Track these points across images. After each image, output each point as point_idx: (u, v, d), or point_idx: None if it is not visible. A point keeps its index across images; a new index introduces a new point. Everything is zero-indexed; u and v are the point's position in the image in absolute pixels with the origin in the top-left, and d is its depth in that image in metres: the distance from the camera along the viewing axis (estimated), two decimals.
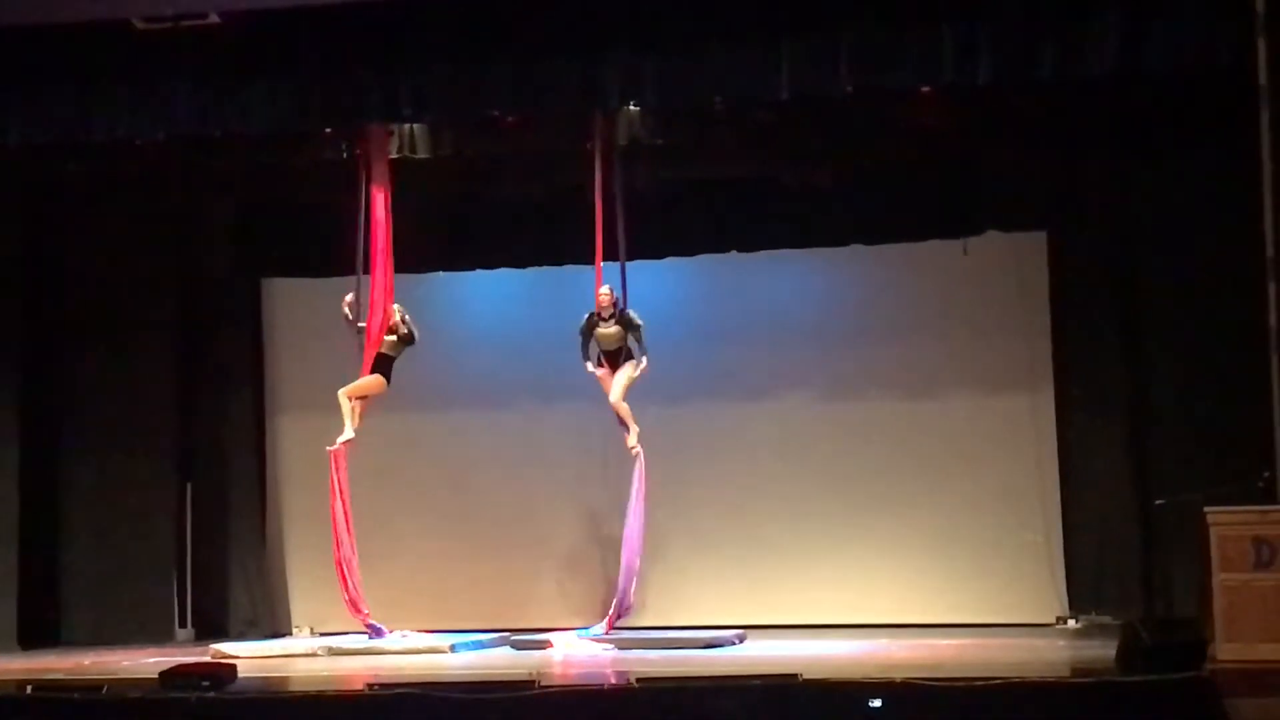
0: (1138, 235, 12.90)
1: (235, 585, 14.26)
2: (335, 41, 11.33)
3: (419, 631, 12.58)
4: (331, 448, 12.49)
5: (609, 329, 12.43)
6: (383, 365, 12.62)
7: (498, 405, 14.17)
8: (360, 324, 12.60)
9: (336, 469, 12.49)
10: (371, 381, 12.61)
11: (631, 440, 12.37)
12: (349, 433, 12.54)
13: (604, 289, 12.37)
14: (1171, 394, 12.67)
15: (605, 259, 12.45)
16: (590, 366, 12.53)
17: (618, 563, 12.44)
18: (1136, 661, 8.86)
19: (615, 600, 12.36)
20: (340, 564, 12.41)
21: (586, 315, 12.48)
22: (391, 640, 12.28)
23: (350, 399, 12.56)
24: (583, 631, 12.31)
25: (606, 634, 12.16)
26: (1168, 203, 12.63)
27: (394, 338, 12.61)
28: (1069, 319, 13.29)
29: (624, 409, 12.40)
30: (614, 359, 12.45)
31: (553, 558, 14.04)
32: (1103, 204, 13.08)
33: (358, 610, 12.43)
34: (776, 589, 13.58)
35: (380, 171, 12.61)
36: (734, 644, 12.03)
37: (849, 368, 13.79)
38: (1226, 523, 9.28)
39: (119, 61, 11.44)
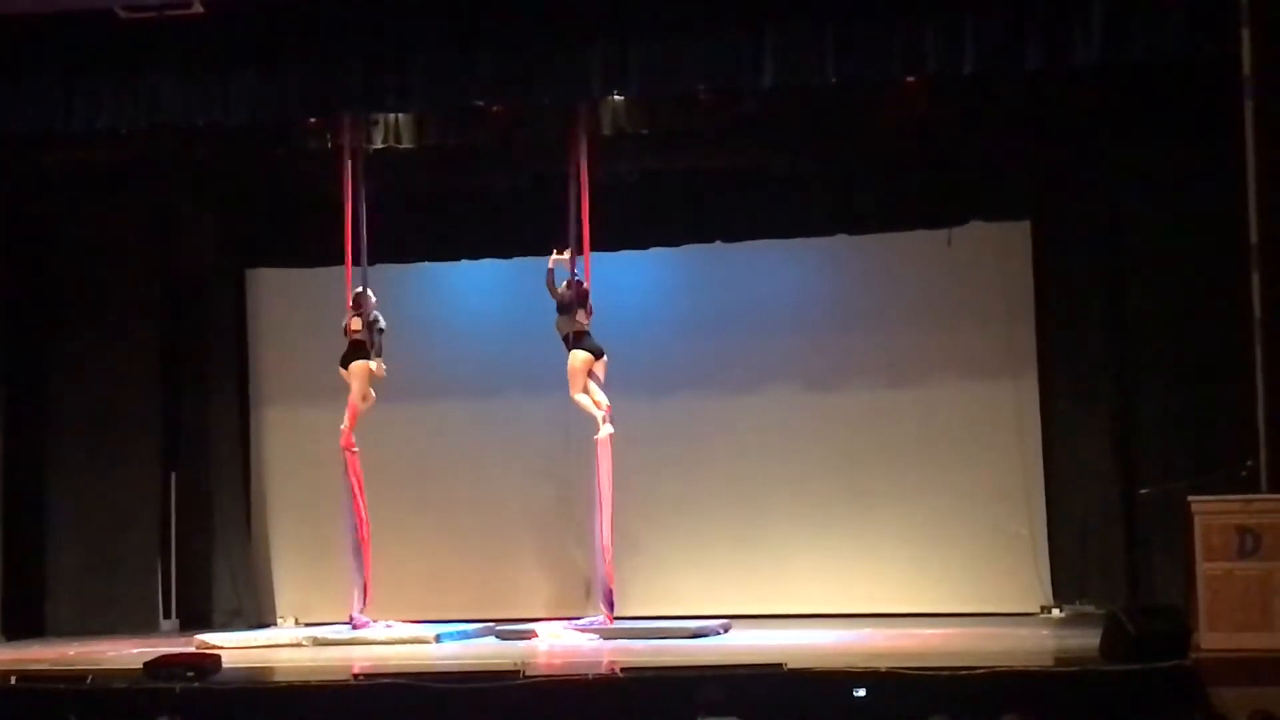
0: (1122, 224, 12.91)
1: (220, 576, 14.21)
2: (319, 31, 11.29)
3: (404, 621, 12.59)
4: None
5: (559, 318, 12.37)
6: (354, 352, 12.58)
7: (482, 395, 14.14)
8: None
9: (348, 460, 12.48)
10: (348, 375, 12.56)
11: (600, 427, 12.15)
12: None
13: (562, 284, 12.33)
14: (1156, 383, 12.68)
15: (591, 249, 12.42)
16: None
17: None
18: (1120, 651, 8.89)
19: (605, 590, 12.18)
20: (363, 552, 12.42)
21: None
22: (376, 630, 12.27)
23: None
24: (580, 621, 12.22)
25: (607, 623, 12.04)
26: (1152, 192, 12.63)
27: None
28: (1053, 308, 13.29)
29: (581, 400, 12.21)
30: (569, 348, 12.36)
31: (537, 547, 14.03)
32: (1087, 193, 13.08)
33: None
34: (761, 579, 13.57)
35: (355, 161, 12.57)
36: (719, 634, 12.01)
37: (833, 358, 13.78)
38: (1211, 512, 9.28)
39: (102, 51, 11.40)
